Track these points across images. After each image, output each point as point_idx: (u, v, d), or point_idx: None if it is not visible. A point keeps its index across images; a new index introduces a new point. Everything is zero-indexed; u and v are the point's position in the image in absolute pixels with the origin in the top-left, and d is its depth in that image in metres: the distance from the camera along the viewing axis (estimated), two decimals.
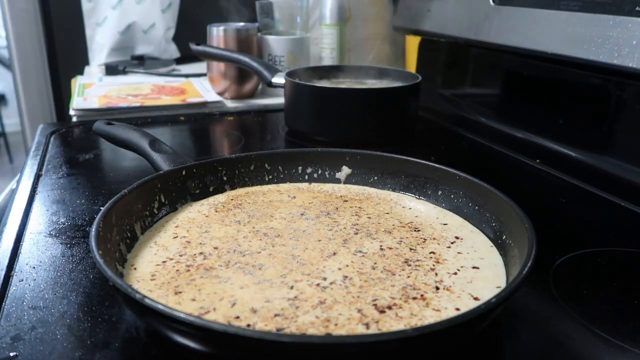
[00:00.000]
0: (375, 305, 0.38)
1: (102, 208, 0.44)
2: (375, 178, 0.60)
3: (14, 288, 0.44)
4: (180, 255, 0.45)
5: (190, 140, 0.94)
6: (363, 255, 0.45)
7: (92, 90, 1.10)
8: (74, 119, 0.97)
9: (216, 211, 0.54)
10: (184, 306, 0.38)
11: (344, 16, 1.07)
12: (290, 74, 0.88)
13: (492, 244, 0.48)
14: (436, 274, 0.43)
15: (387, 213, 0.54)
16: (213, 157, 0.60)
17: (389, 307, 0.38)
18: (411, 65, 1.17)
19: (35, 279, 0.46)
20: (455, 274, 0.43)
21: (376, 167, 0.60)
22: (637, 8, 0.63)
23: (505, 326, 0.41)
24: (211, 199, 0.57)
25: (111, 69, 1.27)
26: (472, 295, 0.40)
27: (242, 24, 1.10)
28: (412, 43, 1.16)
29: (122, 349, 0.38)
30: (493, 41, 0.85)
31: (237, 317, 0.37)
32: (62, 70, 1.43)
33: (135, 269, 0.44)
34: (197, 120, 0.99)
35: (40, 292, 0.44)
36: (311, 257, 0.45)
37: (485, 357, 0.39)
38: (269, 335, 0.31)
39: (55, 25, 1.41)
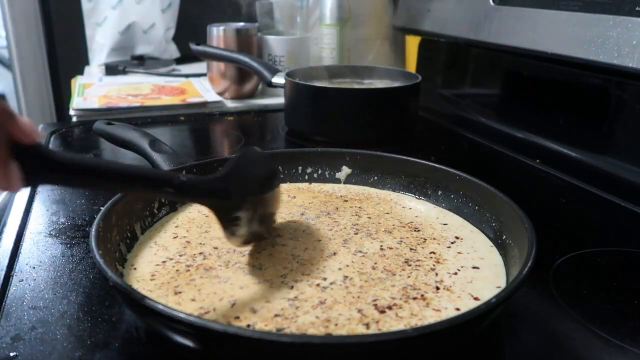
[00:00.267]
0: (375, 305, 0.38)
1: (102, 208, 0.44)
2: (375, 178, 0.60)
3: (14, 288, 0.44)
4: (180, 255, 0.45)
5: (190, 140, 0.94)
6: (363, 255, 0.45)
7: (92, 90, 1.10)
8: (74, 119, 0.97)
9: None
10: (184, 306, 0.38)
11: (344, 16, 1.07)
12: (290, 74, 0.88)
13: (492, 244, 0.48)
14: (436, 274, 0.43)
15: (387, 213, 0.54)
16: (213, 157, 0.60)
17: (389, 307, 0.38)
18: (411, 65, 1.17)
19: (35, 279, 0.46)
20: (456, 274, 0.43)
21: (376, 167, 0.60)
22: (637, 8, 0.63)
23: (505, 326, 0.41)
24: None
25: (111, 69, 1.27)
26: (472, 295, 0.40)
27: (242, 24, 1.10)
28: (412, 43, 1.16)
29: (122, 349, 0.38)
30: (493, 41, 0.85)
31: (237, 317, 0.37)
32: (62, 70, 1.43)
33: (135, 269, 0.44)
34: (197, 120, 0.99)
35: (40, 292, 0.44)
36: (311, 257, 0.45)
37: (485, 357, 0.39)
38: (269, 335, 0.31)
39: (55, 25, 1.41)
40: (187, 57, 1.39)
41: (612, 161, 0.71)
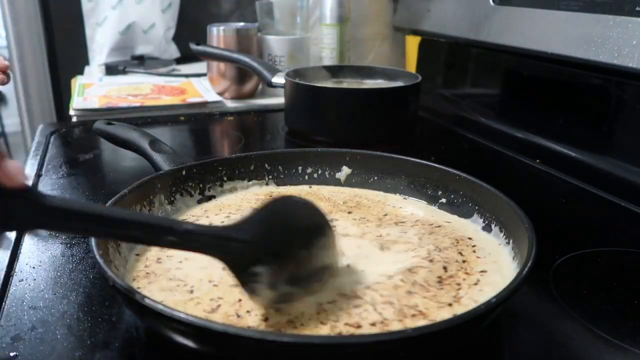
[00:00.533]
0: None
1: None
2: (375, 178, 0.60)
3: (14, 288, 0.44)
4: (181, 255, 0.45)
5: (190, 140, 0.94)
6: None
7: (92, 90, 1.10)
8: (74, 119, 0.97)
9: (219, 211, 0.54)
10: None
11: (344, 16, 1.07)
12: (290, 74, 0.88)
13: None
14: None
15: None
16: (213, 157, 0.60)
17: None
18: (411, 65, 1.17)
19: (35, 279, 0.46)
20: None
21: (376, 167, 0.60)
22: (637, 8, 0.63)
23: (505, 326, 0.41)
24: (212, 200, 0.57)
25: (111, 69, 1.27)
26: None
27: (242, 24, 1.09)
28: (412, 43, 1.16)
29: (122, 349, 0.38)
30: (493, 41, 0.85)
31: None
32: (62, 70, 1.43)
33: (135, 268, 0.44)
34: (197, 120, 0.99)
35: (40, 292, 0.44)
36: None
37: (485, 357, 0.39)
38: (269, 335, 0.31)
39: (55, 25, 1.41)
40: (187, 57, 1.38)
41: (612, 161, 0.71)
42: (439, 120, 0.99)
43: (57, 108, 1.45)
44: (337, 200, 0.57)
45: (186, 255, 0.44)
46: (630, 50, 0.63)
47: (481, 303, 0.34)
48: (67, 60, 1.42)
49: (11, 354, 0.36)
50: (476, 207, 0.52)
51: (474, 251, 0.46)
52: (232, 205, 0.56)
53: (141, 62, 1.34)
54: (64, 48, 1.43)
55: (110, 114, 0.97)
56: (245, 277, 0.35)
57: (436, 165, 0.56)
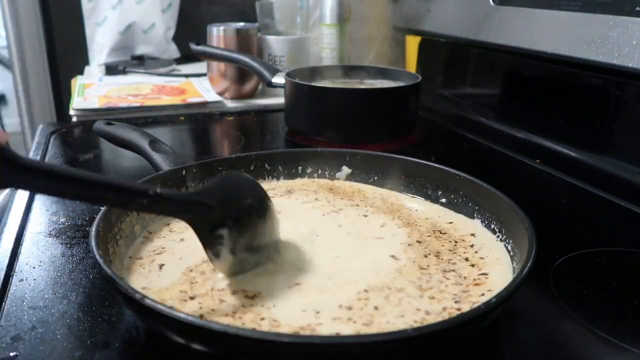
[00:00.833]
0: None
1: (102, 208, 0.44)
2: (375, 178, 0.60)
3: (14, 288, 0.44)
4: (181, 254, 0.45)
5: (190, 140, 0.94)
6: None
7: (92, 90, 1.10)
8: (74, 119, 0.97)
9: None
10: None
11: (344, 16, 1.07)
12: (290, 74, 0.88)
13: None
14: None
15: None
16: (213, 157, 0.60)
17: None
18: (411, 65, 1.17)
19: (35, 279, 0.46)
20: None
21: (376, 167, 0.60)
22: (637, 8, 0.63)
23: (505, 326, 0.41)
24: None
25: (111, 69, 1.27)
26: None
27: (242, 24, 1.10)
28: (412, 43, 1.16)
29: (122, 349, 0.38)
30: (493, 41, 0.85)
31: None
32: (62, 70, 1.43)
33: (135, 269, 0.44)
34: (197, 120, 0.99)
35: (40, 292, 0.44)
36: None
37: (485, 357, 0.39)
38: (269, 336, 0.31)
39: (55, 25, 1.41)
40: (187, 57, 1.39)
41: (612, 161, 0.71)
42: (439, 120, 0.99)
43: (57, 108, 1.45)
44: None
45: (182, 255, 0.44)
46: (630, 50, 0.63)
47: (481, 303, 0.34)
48: (67, 60, 1.42)
49: (11, 354, 0.36)
50: (476, 207, 0.52)
51: (476, 252, 0.47)
52: None
53: (141, 62, 1.34)
54: (64, 48, 1.43)
55: (110, 114, 0.97)
56: (209, 240, 0.38)
57: (436, 165, 0.56)
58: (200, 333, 0.32)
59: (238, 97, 1.08)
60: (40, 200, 0.62)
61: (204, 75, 1.17)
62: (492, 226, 0.49)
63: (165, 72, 1.28)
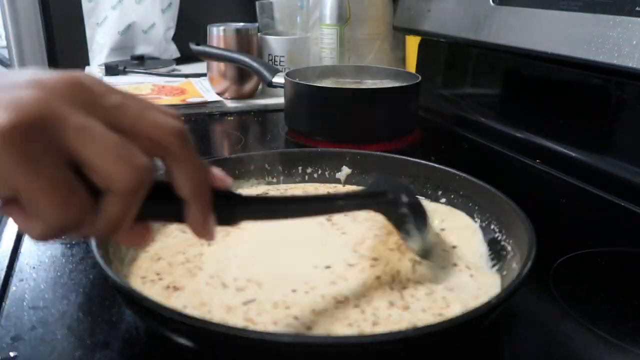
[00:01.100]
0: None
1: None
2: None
3: (14, 288, 0.44)
4: (182, 254, 0.45)
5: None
6: None
7: None
8: None
9: None
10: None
11: (344, 16, 1.07)
12: (290, 74, 0.88)
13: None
14: None
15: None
16: (213, 157, 0.60)
17: None
18: (411, 65, 1.17)
19: (35, 279, 0.46)
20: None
21: (376, 167, 0.60)
22: (637, 8, 0.63)
23: (505, 326, 0.41)
24: None
25: (111, 69, 1.27)
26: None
27: (242, 24, 1.09)
28: (412, 43, 1.16)
29: (122, 349, 0.38)
30: (493, 41, 0.85)
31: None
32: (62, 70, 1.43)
33: (135, 269, 0.44)
34: (197, 120, 0.99)
35: (40, 292, 0.44)
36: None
37: (485, 357, 0.39)
38: (269, 336, 0.31)
39: (55, 25, 1.41)
40: (187, 57, 1.38)
41: (612, 161, 0.71)
42: (439, 120, 0.99)
43: None
44: None
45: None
46: (630, 50, 0.63)
47: (481, 303, 0.34)
48: (67, 60, 1.42)
49: (11, 354, 0.36)
50: (476, 207, 0.52)
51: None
52: None
53: (141, 62, 1.34)
54: (64, 48, 1.43)
55: None
56: (397, 221, 0.44)
57: (436, 165, 0.57)
58: (200, 333, 0.32)
59: (238, 97, 1.07)
60: None
61: (204, 75, 1.17)
62: (492, 226, 0.49)
63: (165, 72, 1.28)
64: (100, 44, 1.39)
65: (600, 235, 0.56)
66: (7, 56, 1.44)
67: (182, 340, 0.34)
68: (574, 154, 0.76)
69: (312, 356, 0.32)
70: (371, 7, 1.14)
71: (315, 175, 0.61)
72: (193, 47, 1.02)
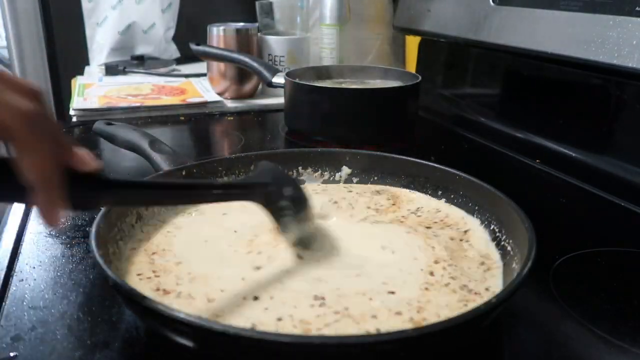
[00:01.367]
0: None
1: (102, 208, 0.44)
2: (375, 178, 0.60)
3: (14, 288, 0.44)
4: (181, 254, 0.45)
5: (190, 140, 0.94)
6: None
7: (92, 91, 1.10)
8: (74, 119, 0.97)
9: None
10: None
11: (344, 16, 1.07)
12: (290, 74, 0.88)
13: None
14: None
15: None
16: (213, 157, 0.60)
17: None
18: (411, 65, 1.17)
19: (35, 279, 0.46)
20: None
21: (376, 167, 0.60)
22: (637, 8, 0.63)
23: (505, 326, 0.41)
24: None
25: (111, 69, 1.27)
26: None
27: (242, 24, 1.10)
28: (412, 43, 1.16)
29: (122, 349, 0.38)
30: (493, 41, 0.85)
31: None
32: (62, 70, 1.43)
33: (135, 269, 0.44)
34: (197, 120, 0.99)
35: (40, 292, 0.44)
36: None
37: (485, 357, 0.39)
38: (269, 336, 0.31)
39: (55, 25, 1.41)
40: (187, 57, 1.38)
41: (612, 161, 0.71)
42: (439, 120, 0.99)
43: (57, 108, 1.45)
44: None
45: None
46: (630, 50, 0.63)
47: (481, 303, 0.34)
48: (67, 60, 1.42)
49: (11, 354, 0.36)
50: (476, 207, 0.52)
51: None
52: (232, 205, 0.55)
53: (141, 62, 1.34)
54: (64, 48, 1.42)
55: (110, 114, 0.97)
56: (276, 213, 0.42)
57: (436, 165, 0.57)
58: (200, 333, 0.32)
59: (238, 97, 1.07)
60: None
61: (204, 75, 1.17)
62: (492, 226, 0.49)
63: (165, 72, 1.28)
64: (100, 44, 1.39)
65: (600, 235, 0.56)
66: (7, 56, 1.44)
67: (182, 340, 0.34)
68: (574, 154, 0.76)
69: (312, 356, 0.32)
70: (371, 7, 1.14)
71: (315, 175, 0.61)
72: (193, 47, 1.02)
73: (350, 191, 0.58)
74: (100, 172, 0.32)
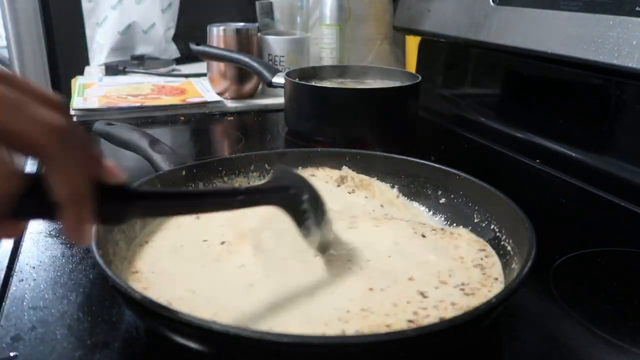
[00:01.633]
0: None
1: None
2: (375, 178, 0.60)
3: (14, 288, 0.44)
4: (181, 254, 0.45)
5: (190, 140, 0.94)
6: None
7: (92, 91, 1.10)
8: (74, 119, 0.97)
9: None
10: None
11: (344, 16, 1.07)
12: (290, 74, 0.88)
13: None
14: None
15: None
16: (213, 157, 0.60)
17: None
18: (411, 65, 1.17)
19: (35, 279, 0.46)
20: None
21: (376, 167, 0.60)
22: (637, 8, 0.63)
23: (505, 326, 0.41)
24: None
25: (111, 69, 1.27)
26: None
27: (242, 24, 1.10)
28: (412, 43, 1.16)
29: (122, 349, 0.38)
30: (493, 41, 0.85)
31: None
32: (62, 70, 1.43)
33: (135, 270, 0.44)
34: (197, 120, 0.99)
35: (40, 292, 0.44)
36: None
37: (485, 357, 0.39)
38: (269, 336, 0.31)
39: (55, 25, 1.41)
40: (187, 57, 1.38)
41: (612, 161, 0.71)
42: (439, 120, 0.99)
43: None
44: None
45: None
46: (630, 50, 0.63)
47: (481, 303, 0.34)
48: (67, 60, 1.42)
49: (11, 354, 0.36)
50: (476, 207, 0.52)
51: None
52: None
53: (141, 62, 1.34)
54: (64, 48, 1.43)
55: (110, 114, 0.97)
56: (298, 216, 0.42)
57: (436, 165, 0.56)
58: (200, 333, 0.32)
59: (238, 97, 1.07)
60: None
61: (204, 75, 1.17)
62: (492, 226, 0.49)
63: (165, 72, 1.28)
64: (100, 44, 1.39)
65: (600, 235, 0.56)
66: (7, 56, 1.44)
67: (182, 341, 0.34)
68: (574, 154, 0.76)
69: (312, 356, 0.32)
70: (371, 7, 1.14)
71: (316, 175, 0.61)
72: (193, 47, 1.02)
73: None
74: (127, 183, 0.31)
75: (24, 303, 0.42)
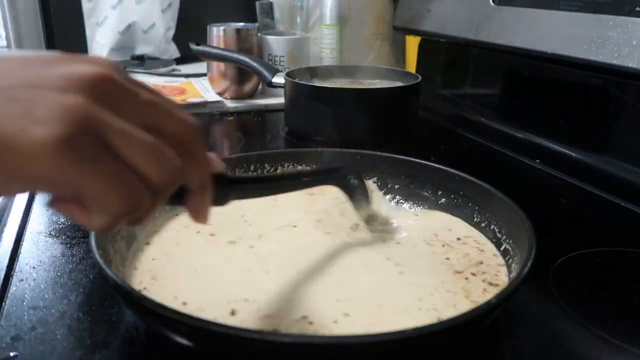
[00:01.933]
0: None
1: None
2: (375, 178, 0.60)
3: (14, 288, 0.44)
4: (180, 254, 0.45)
5: None
6: None
7: None
8: None
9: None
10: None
11: (344, 16, 1.07)
12: (290, 74, 0.88)
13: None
14: None
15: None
16: None
17: None
18: (411, 65, 1.17)
19: (35, 279, 0.46)
20: None
21: (376, 167, 0.60)
22: (637, 8, 0.63)
23: (505, 326, 0.41)
24: None
25: None
26: None
27: (242, 24, 1.10)
28: (412, 43, 1.16)
29: (122, 349, 0.38)
30: (493, 41, 0.85)
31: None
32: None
33: (135, 269, 0.44)
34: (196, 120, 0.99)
35: (40, 292, 0.44)
36: None
37: (485, 357, 0.39)
38: (269, 336, 0.31)
39: (55, 25, 1.41)
40: (187, 57, 1.38)
41: (612, 161, 0.71)
42: (439, 120, 0.99)
43: None
44: None
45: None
46: (630, 50, 0.63)
47: (481, 303, 0.34)
48: None
49: (11, 354, 0.36)
50: (476, 207, 0.52)
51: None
52: (232, 205, 0.55)
53: (141, 62, 1.34)
54: (64, 48, 1.42)
55: None
56: (351, 191, 0.51)
57: (436, 165, 0.56)
58: (200, 333, 0.32)
59: (238, 97, 1.07)
60: (40, 200, 0.62)
61: (204, 75, 1.17)
62: (492, 226, 0.49)
63: (165, 72, 1.28)
64: (100, 44, 1.39)
65: (600, 235, 0.56)
66: None
67: (182, 340, 0.34)
68: (574, 154, 0.76)
69: (312, 356, 0.32)
70: (371, 7, 1.14)
71: None
72: (193, 47, 1.02)
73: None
74: (226, 172, 0.35)
75: (24, 303, 0.42)
